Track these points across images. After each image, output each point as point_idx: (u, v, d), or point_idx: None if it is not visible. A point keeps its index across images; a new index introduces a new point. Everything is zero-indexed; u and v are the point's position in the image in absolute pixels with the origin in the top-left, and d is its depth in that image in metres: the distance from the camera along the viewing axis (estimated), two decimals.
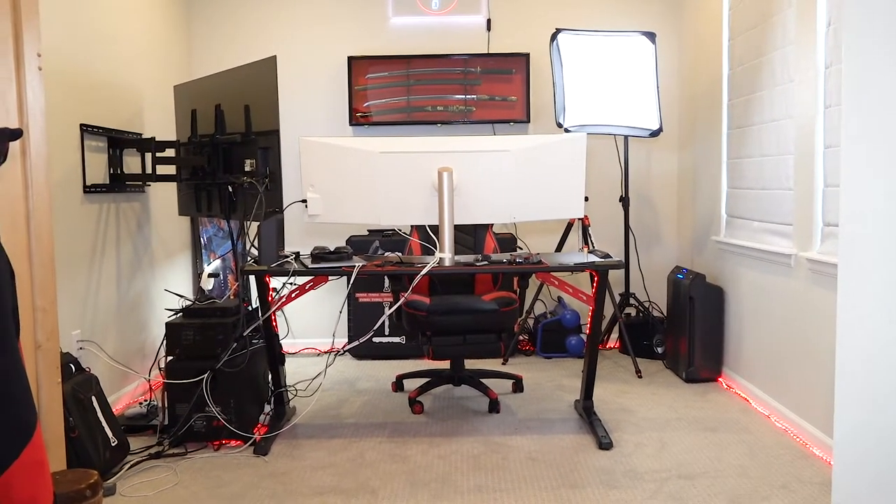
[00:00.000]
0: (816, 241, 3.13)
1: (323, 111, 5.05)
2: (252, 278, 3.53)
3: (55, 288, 1.93)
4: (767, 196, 3.59)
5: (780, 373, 3.48)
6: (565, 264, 3.18)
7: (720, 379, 4.18)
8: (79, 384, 2.87)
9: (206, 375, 3.13)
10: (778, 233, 3.49)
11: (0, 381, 1.36)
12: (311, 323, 4.99)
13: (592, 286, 3.34)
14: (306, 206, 3.23)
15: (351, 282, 3.12)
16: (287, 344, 4.97)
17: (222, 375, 3.18)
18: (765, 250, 3.56)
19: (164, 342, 3.24)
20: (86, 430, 2.81)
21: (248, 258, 3.44)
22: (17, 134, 1.47)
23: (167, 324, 3.24)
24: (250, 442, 3.20)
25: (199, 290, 4.58)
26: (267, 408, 3.49)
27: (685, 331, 4.17)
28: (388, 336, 4.77)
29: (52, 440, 1.93)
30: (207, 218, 4.67)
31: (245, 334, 3.17)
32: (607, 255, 3.29)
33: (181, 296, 3.54)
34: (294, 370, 4.52)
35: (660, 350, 4.67)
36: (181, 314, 3.31)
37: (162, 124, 4.35)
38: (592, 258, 3.26)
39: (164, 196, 4.38)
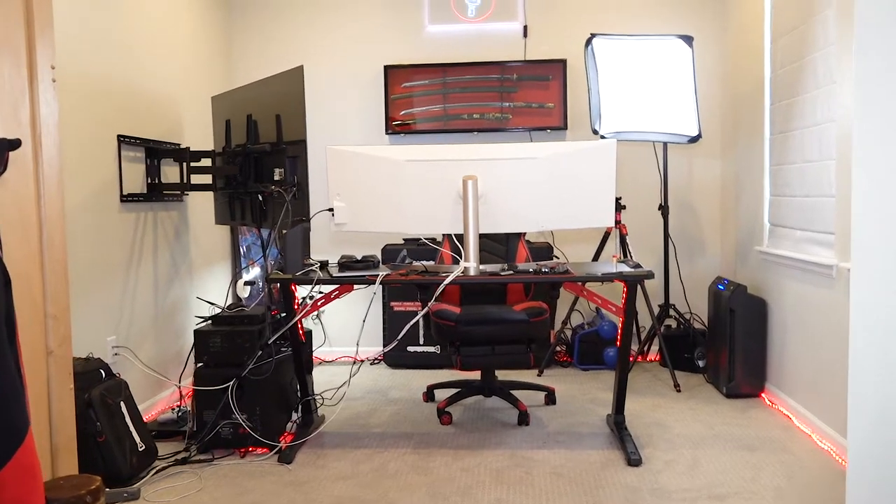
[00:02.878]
0: (856, 252, 2.98)
1: (359, 120, 5.08)
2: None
3: (68, 295, 1.96)
4: (810, 204, 3.44)
5: (822, 389, 3.33)
6: (592, 274, 3.10)
7: (763, 395, 4.02)
8: (108, 389, 2.93)
9: (231, 383, 3.16)
10: (820, 242, 3.34)
11: None
12: (347, 331, 4.99)
13: (623, 297, 3.25)
14: (333, 215, 3.23)
15: (375, 291, 3.10)
16: (324, 352, 5.03)
17: (248, 383, 3.20)
18: (807, 261, 3.41)
19: (193, 349, 3.28)
20: (113, 435, 2.86)
21: (276, 267, 3.46)
22: (15, 144, 1.50)
23: (195, 331, 3.28)
24: (275, 450, 3.21)
25: (234, 296, 4.64)
26: (294, 416, 3.50)
27: (725, 344, 4.02)
28: (423, 345, 4.75)
29: (63, 446, 1.97)
30: (246, 226, 4.73)
31: (270, 342, 3.18)
32: (638, 265, 3.20)
33: (211, 303, 3.59)
34: (328, 379, 4.54)
35: (701, 364, 4.52)
36: (210, 321, 3.34)
37: (201, 134, 4.43)
38: (622, 268, 3.17)
39: (202, 205, 4.46)
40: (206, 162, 3.97)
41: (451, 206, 3.16)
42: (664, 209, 4.51)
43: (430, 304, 3.26)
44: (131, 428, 2.96)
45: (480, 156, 3.17)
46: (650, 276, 3.07)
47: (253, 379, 3.19)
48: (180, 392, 3.54)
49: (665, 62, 4.23)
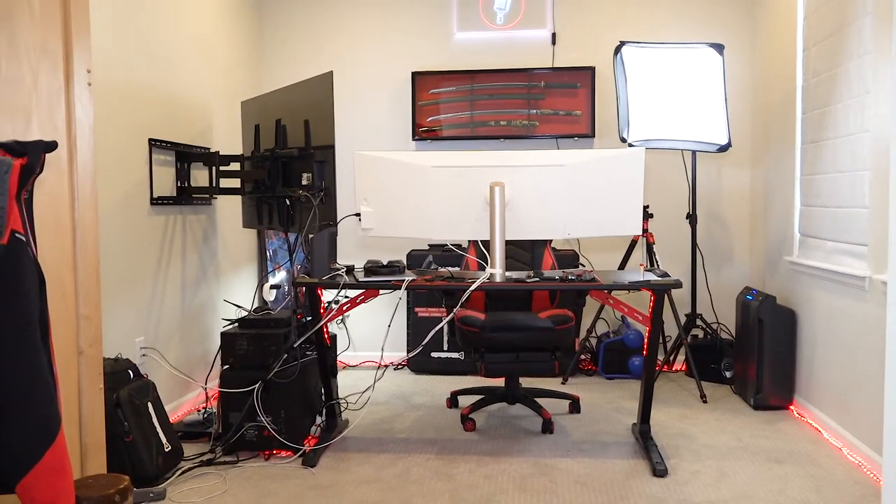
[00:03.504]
0: (893, 263, 2.92)
1: (386, 126, 5.10)
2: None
3: (99, 296, 1.99)
4: (842, 214, 3.39)
5: (853, 403, 3.27)
6: (619, 282, 3.08)
7: (791, 407, 3.96)
8: (135, 390, 2.96)
9: (257, 385, 3.18)
10: (852, 253, 3.29)
11: (23, 386, 1.40)
12: (372, 336, 5.01)
13: (650, 306, 3.22)
14: (360, 220, 3.25)
15: (401, 296, 3.11)
16: (348, 357, 5.05)
17: (273, 386, 3.22)
18: (839, 272, 3.36)
19: (220, 351, 3.31)
20: (140, 435, 2.89)
21: (302, 271, 3.49)
22: (51, 146, 1.52)
23: (222, 333, 3.31)
24: (300, 453, 3.22)
25: (260, 300, 4.67)
26: (319, 419, 3.51)
27: (753, 355, 3.97)
28: (447, 351, 4.75)
29: (93, 445, 1.99)
30: (273, 230, 4.77)
31: (296, 345, 3.20)
32: (666, 274, 3.17)
33: (238, 306, 3.62)
34: (352, 383, 4.55)
35: (728, 374, 4.47)
36: (236, 324, 3.37)
37: (230, 139, 4.48)
38: (649, 276, 3.15)
39: (230, 208, 4.50)
40: (235, 166, 4.02)
41: (477, 212, 3.16)
42: (692, 218, 4.47)
43: (455, 309, 3.26)
44: (158, 429, 2.99)
45: (507, 162, 3.16)
46: (678, 285, 3.04)
47: (278, 382, 3.21)
48: (206, 394, 3.57)
49: (695, 70, 4.19)
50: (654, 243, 4.43)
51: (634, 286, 3.06)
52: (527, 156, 3.21)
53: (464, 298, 3.09)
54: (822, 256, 3.64)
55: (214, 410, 3.51)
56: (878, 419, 3.02)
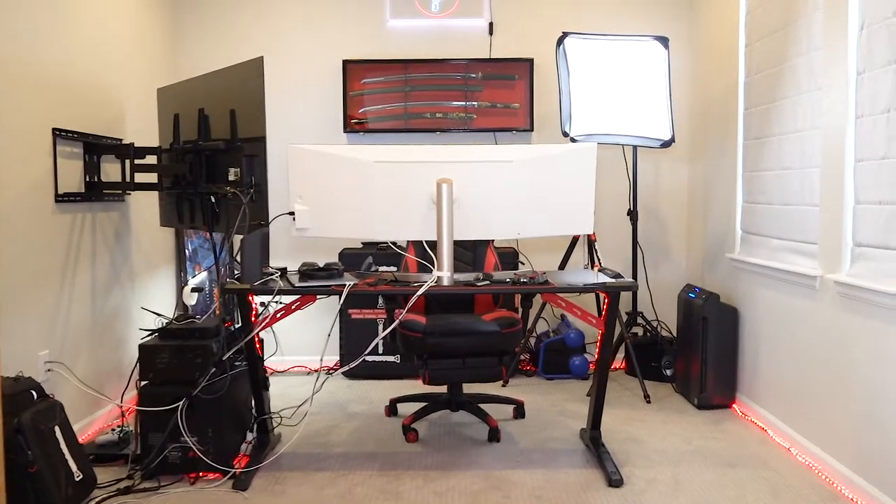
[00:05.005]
0: (845, 263, 2.89)
1: (316, 117, 4.81)
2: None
3: None
4: (789, 212, 3.35)
5: (801, 402, 3.24)
6: (574, 285, 2.93)
7: (734, 405, 3.93)
8: (40, 413, 2.61)
9: (181, 403, 2.87)
10: (801, 252, 3.25)
11: None
12: (301, 340, 4.73)
13: (602, 308, 3.10)
14: (294, 219, 2.98)
15: (341, 302, 2.87)
16: (275, 362, 4.75)
17: (200, 402, 2.92)
18: (786, 270, 3.32)
19: (137, 365, 2.98)
20: (46, 464, 2.55)
21: (229, 275, 3.19)
22: None
23: (140, 345, 2.98)
24: (229, 475, 2.94)
25: (181, 305, 4.32)
26: (249, 436, 3.23)
27: (697, 353, 3.92)
28: (382, 354, 4.52)
29: None
30: (194, 229, 4.42)
31: (225, 358, 2.91)
32: (619, 275, 3.04)
33: (158, 314, 3.29)
34: (282, 391, 4.28)
35: (668, 372, 4.42)
36: (156, 334, 3.05)
37: (145, 129, 4.11)
38: (603, 278, 3.02)
39: (146, 205, 4.13)
40: (151, 159, 3.66)
41: (421, 210, 2.95)
42: (633, 215, 4.39)
43: (400, 317, 3.04)
44: (67, 455, 2.66)
45: (454, 158, 2.96)
46: (634, 287, 2.92)
47: (205, 398, 2.91)
48: (122, 411, 3.23)
49: (639, 64, 4.10)
50: (595, 241, 4.33)
51: (590, 288, 2.93)
52: (474, 151, 3.01)
53: (409, 304, 2.88)
54: (767, 254, 3.60)
55: (131, 428, 3.18)
56: (829, 419, 2.99)
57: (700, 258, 4.62)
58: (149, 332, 3.07)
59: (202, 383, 2.88)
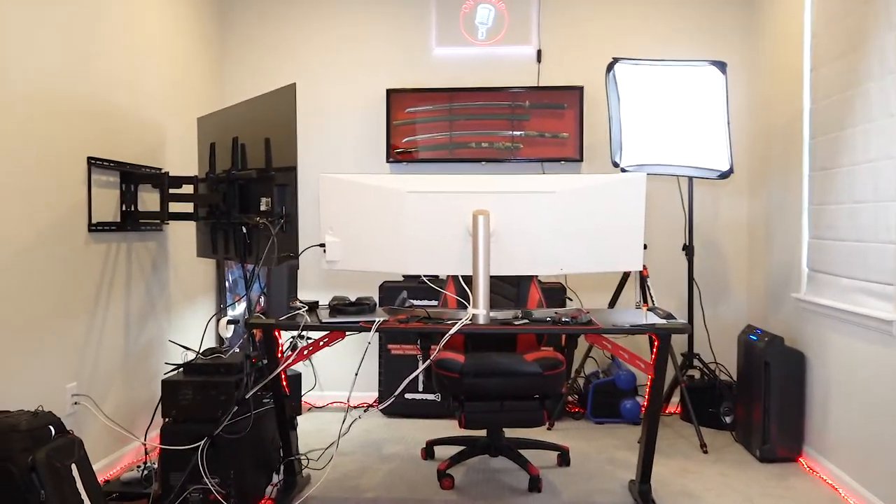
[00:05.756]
0: None
1: (359, 147, 4.72)
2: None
3: None
4: (861, 249, 3.06)
5: (877, 459, 2.91)
6: (620, 325, 2.71)
7: (800, 459, 3.60)
8: (56, 450, 2.51)
9: (202, 442, 2.75)
10: (874, 293, 2.95)
11: None
12: (340, 374, 4.58)
13: (652, 351, 2.86)
14: (324, 252, 2.85)
15: (370, 339, 2.71)
16: (314, 397, 4.62)
17: (222, 441, 2.79)
18: (858, 313, 3.02)
19: (160, 402, 2.87)
20: (60, 503, 2.44)
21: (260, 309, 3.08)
22: None
23: (163, 381, 2.87)
24: None
25: (217, 338, 4.24)
26: (276, 478, 3.08)
27: (759, 400, 3.62)
28: (422, 392, 4.34)
29: None
30: (229, 260, 4.35)
31: (248, 396, 2.77)
32: (670, 316, 2.81)
33: (185, 347, 3.19)
34: (318, 427, 4.13)
35: (728, 420, 4.11)
36: (181, 369, 2.94)
37: (185, 159, 4.08)
38: (653, 318, 2.78)
39: (183, 235, 4.08)
40: (188, 189, 3.61)
41: (458, 244, 2.78)
42: (689, 250, 4.13)
43: (432, 357, 2.86)
44: (83, 495, 2.54)
45: (492, 188, 2.79)
46: (686, 329, 2.68)
47: (228, 437, 2.78)
48: (145, 448, 3.12)
49: (694, 90, 3.87)
50: (647, 277, 4.08)
51: (638, 330, 2.70)
52: (514, 181, 2.84)
53: (441, 344, 2.70)
54: (836, 295, 3.30)
55: (155, 466, 3.07)
56: None
57: (762, 297, 4.32)
58: (173, 367, 2.97)
59: (224, 422, 2.75)
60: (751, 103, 4.45)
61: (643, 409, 4.34)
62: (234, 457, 2.81)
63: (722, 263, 4.60)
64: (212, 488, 2.75)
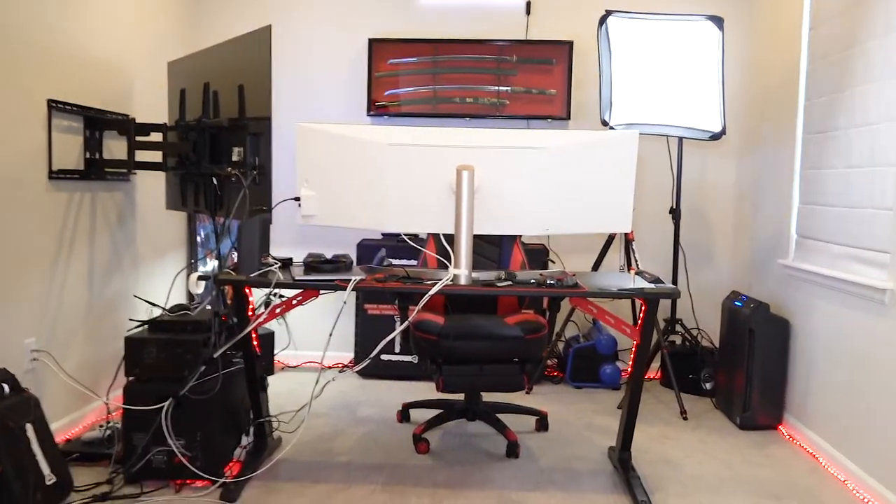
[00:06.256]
0: None
1: (338, 98, 4.53)
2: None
3: None
4: (855, 216, 2.97)
5: (861, 430, 2.86)
6: (607, 289, 2.60)
7: (780, 427, 3.56)
8: (9, 409, 2.38)
9: (167, 403, 2.62)
10: (868, 261, 2.87)
11: None
12: (316, 333, 4.46)
13: (638, 316, 2.77)
14: (299, 205, 2.70)
15: (345, 299, 2.58)
16: (288, 356, 4.50)
17: (189, 402, 2.66)
18: (850, 281, 2.94)
19: (124, 360, 2.73)
20: (13, 465, 2.31)
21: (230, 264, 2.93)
22: None
23: (126, 338, 2.73)
24: (218, 483, 2.68)
25: (187, 294, 4.09)
26: (245, 440, 2.97)
27: (742, 368, 3.56)
28: (398, 354, 4.23)
29: None
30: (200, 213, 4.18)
31: (216, 356, 2.64)
32: (658, 280, 2.71)
33: (153, 303, 3.04)
34: (291, 388, 4.03)
35: (708, 386, 4.06)
36: (145, 326, 2.80)
37: (155, 106, 3.87)
38: (640, 282, 2.68)
39: (153, 187, 3.90)
40: (157, 137, 3.42)
41: (440, 200, 2.64)
42: (676, 213, 4.03)
43: (410, 318, 2.74)
44: (39, 456, 2.42)
45: (478, 142, 2.65)
46: (676, 294, 2.58)
47: (194, 398, 2.65)
48: (108, 408, 2.99)
49: (689, 46, 3.73)
50: (633, 241, 3.98)
51: (626, 294, 2.59)
52: (501, 136, 2.70)
53: (420, 305, 2.58)
54: (826, 262, 3.22)
55: (118, 426, 2.94)
56: (889, 450, 2.62)
57: (747, 263, 4.24)
58: (138, 324, 2.82)
59: (191, 382, 2.62)
60: (744, 62, 4.31)
61: (624, 373, 4.29)
62: (201, 418, 2.69)
63: (706, 228, 4.51)
64: (176, 450, 2.63)
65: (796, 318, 3.50)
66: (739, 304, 3.67)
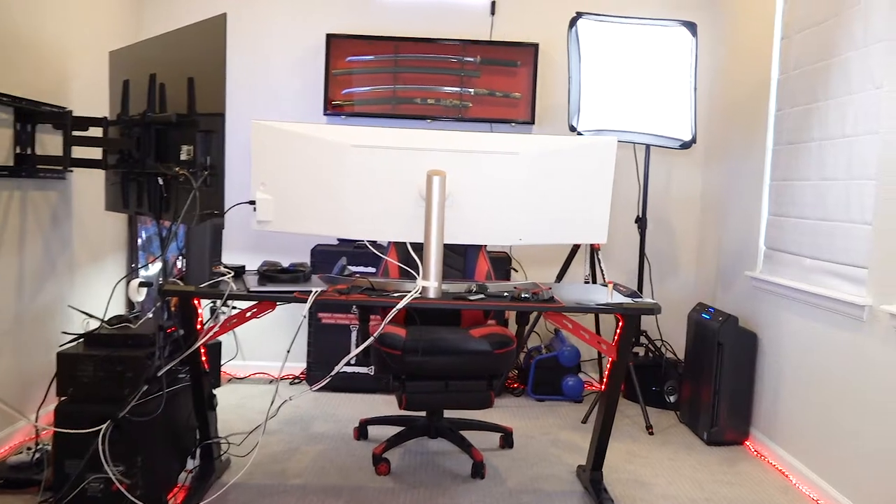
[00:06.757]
0: None
1: (293, 96, 4.31)
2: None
3: None
4: (829, 229, 2.91)
5: (833, 447, 2.80)
6: (585, 304, 2.47)
7: (747, 442, 3.49)
8: None
9: (105, 426, 2.37)
10: (842, 276, 2.81)
11: None
12: (266, 343, 4.26)
13: (615, 332, 2.64)
14: (255, 210, 2.49)
15: (304, 313, 2.39)
16: (236, 366, 4.26)
17: (129, 425, 2.42)
18: (825, 296, 2.88)
19: (56, 378, 2.47)
20: None
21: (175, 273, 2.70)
22: None
23: (59, 354, 2.47)
24: None
25: (127, 303, 3.81)
26: (191, 463, 2.73)
27: (709, 382, 3.47)
28: (354, 365, 4.03)
29: None
30: (143, 215, 3.90)
31: (160, 374, 2.41)
32: (636, 294, 2.59)
33: (90, 314, 2.78)
34: (239, 402, 3.79)
35: (671, 399, 3.98)
36: (81, 340, 2.54)
37: (95, 98, 3.59)
38: (618, 297, 2.55)
39: (91, 186, 3.62)
40: (97, 132, 3.15)
41: (408, 207, 2.47)
42: (642, 222, 3.94)
43: (375, 335, 2.55)
44: None
45: (448, 146, 2.48)
46: (657, 310, 2.46)
47: (135, 420, 2.41)
48: (36, 429, 2.72)
49: (662, 52, 3.64)
50: (599, 250, 3.88)
51: (607, 309, 2.46)
52: (474, 139, 2.54)
53: (387, 320, 2.40)
54: (797, 275, 3.16)
55: (49, 449, 2.67)
56: (872, 473, 2.55)
57: (712, 275, 4.18)
58: (72, 338, 2.56)
59: (132, 403, 2.38)
60: (711, 71, 4.25)
61: (587, 385, 4.18)
62: (143, 441, 2.45)
63: (671, 238, 4.44)
64: (114, 477, 2.39)
65: (764, 331, 3.43)
66: (707, 316, 3.59)
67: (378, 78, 4.25)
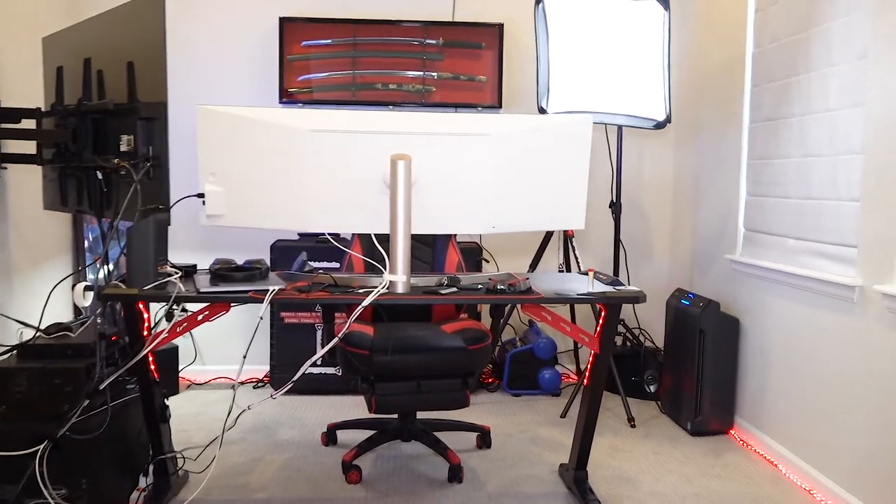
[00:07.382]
0: None
1: (246, 84, 4.08)
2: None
3: None
4: (814, 207, 2.79)
5: (826, 435, 2.68)
6: (566, 294, 2.30)
7: (731, 432, 3.38)
8: None
9: (42, 446, 2.14)
10: (829, 256, 2.69)
11: None
12: (226, 346, 4.04)
13: (597, 323, 2.49)
14: (204, 203, 2.27)
15: (262, 314, 2.18)
16: (195, 372, 4.03)
17: (70, 443, 2.19)
18: (811, 277, 2.75)
19: None
20: None
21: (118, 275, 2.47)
22: None
23: None
24: None
25: (73, 308, 3.56)
26: (143, 481, 2.51)
27: (691, 370, 3.35)
28: (320, 366, 3.82)
29: None
30: (83, 213, 3.64)
31: (103, 386, 2.18)
32: (617, 282, 2.43)
33: (24, 323, 2.54)
34: (199, 409, 3.56)
35: (651, 389, 3.85)
36: (14, 352, 2.30)
37: (27, 88, 3.32)
38: (599, 286, 2.39)
39: (28, 184, 3.35)
40: (31, 124, 2.89)
41: (371, 195, 2.28)
42: (616, 207, 3.79)
43: (338, 336, 2.36)
44: None
45: (413, 128, 2.30)
46: (641, 298, 2.30)
47: (77, 438, 2.19)
48: None
49: (632, 28, 3.48)
50: (573, 237, 3.73)
51: (588, 299, 2.29)
52: (440, 120, 2.36)
53: (353, 318, 2.20)
54: (780, 257, 3.04)
55: None
56: (866, 461, 2.44)
57: (688, 259, 4.06)
58: (4, 350, 2.32)
59: (72, 419, 2.16)
60: (681, 47, 4.11)
61: (564, 378, 4.04)
62: (87, 461, 2.23)
63: (644, 223, 4.31)
64: (54, 502, 2.16)
65: (746, 316, 3.32)
66: (687, 302, 3.46)
67: (336, 63, 4.03)
